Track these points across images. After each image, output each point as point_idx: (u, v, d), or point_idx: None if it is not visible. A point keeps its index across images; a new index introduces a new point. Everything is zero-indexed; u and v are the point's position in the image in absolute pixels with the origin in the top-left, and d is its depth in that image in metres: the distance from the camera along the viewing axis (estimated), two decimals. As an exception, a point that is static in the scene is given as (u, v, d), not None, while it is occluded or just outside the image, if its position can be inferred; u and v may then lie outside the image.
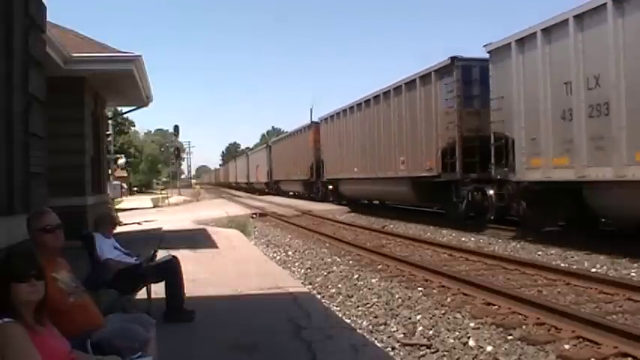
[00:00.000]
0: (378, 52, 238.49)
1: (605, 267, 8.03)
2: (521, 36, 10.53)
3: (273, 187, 36.70)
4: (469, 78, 12.84)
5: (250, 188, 47.45)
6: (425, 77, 14.10)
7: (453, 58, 12.82)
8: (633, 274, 7.49)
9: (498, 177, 11.61)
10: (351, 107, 19.28)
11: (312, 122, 26.91)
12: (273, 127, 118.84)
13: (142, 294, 4.87)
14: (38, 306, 2.12)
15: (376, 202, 20.34)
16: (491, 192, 12.10)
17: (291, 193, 31.50)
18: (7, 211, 3.69)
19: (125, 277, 4.52)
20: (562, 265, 8.25)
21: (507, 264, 8.16)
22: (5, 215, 3.65)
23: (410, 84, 14.71)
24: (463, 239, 11.84)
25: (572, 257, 8.89)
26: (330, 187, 22.67)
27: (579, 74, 9.14)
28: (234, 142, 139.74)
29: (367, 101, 17.84)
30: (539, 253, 9.52)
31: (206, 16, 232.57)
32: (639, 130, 8.05)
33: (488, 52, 11.71)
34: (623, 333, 4.40)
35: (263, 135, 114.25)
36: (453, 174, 13.16)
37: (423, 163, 14.31)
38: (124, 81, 11.01)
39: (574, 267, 8.01)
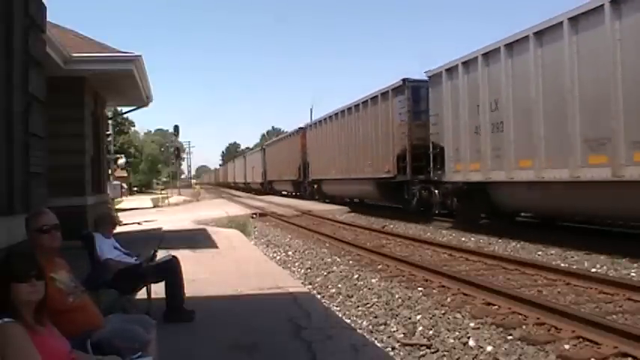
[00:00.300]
0: (378, 52, 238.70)
1: (605, 267, 8.03)
2: (449, 66, 13.27)
3: (267, 187, 39.19)
4: (418, 96, 15.36)
5: (247, 188, 50.08)
6: (384, 94, 16.71)
7: (405, 80, 15.46)
8: (633, 274, 7.49)
9: (435, 178, 14.26)
10: (330, 116, 21.97)
11: (300, 128, 29.49)
12: (273, 127, 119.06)
13: (142, 294, 4.87)
14: (38, 306, 2.12)
15: (356, 199, 23.00)
16: (436, 191, 14.45)
17: (284, 193, 34.02)
18: (7, 211, 3.69)
19: (125, 277, 4.52)
20: (562, 265, 8.25)
21: (507, 264, 8.16)
22: (5, 215, 3.65)
23: (374, 99, 17.30)
24: (463, 239, 11.84)
25: (572, 257, 8.89)
26: (315, 186, 25.44)
27: (485, 99, 11.86)
28: (234, 142, 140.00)
29: (342, 112, 20.69)
30: (539, 253, 9.53)
31: (206, 16, 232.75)
32: (525, 144, 10.66)
33: (428, 77, 14.43)
34: (623, 333, 4.40)
35: (263, 135, 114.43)
36: (404, 176, 15.69)
37: (383, 166, 16.86)
38: (124, 81, 11.01)
39: (574, 267, 8.01)
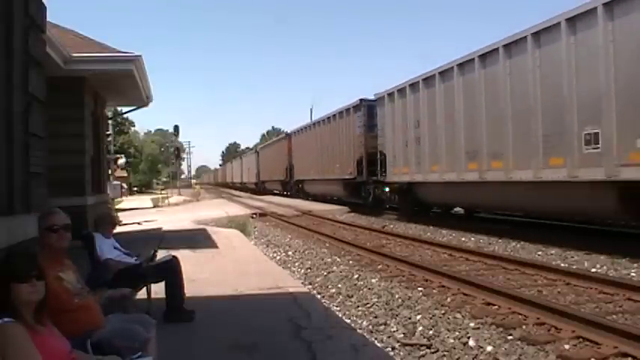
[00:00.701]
0: (378, 52, 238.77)
1: (605, 267, 8.03)
2: (390, 92, 16.86)
3: (260, 187, 42.62)
4: (372, 112, 18.80)
5: (244, 187, 53.34)
6: (347, 110, 20.39)
7: (361, 100, 19.21)
8: (633, 274, 7.49)
9: (382, 179, 17.82)
10: (309, 125, 26.13)
11: (286, 134, 33.84)
12: (273, 127, 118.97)
13: (142, 294, 4.87)
14: (38, 306, 2.12)
15: (329, 197, 25.91)
16: (387, 189, 18.01)
17: (276, 192, 37.11)
18: (7, 211, 3.69)
19: (125, 277, 4.52)
20: (562, 265, 8.25)
21: (507, 264, 8.16)
22: (5, 215, 3.65)
23: (340, 114, 20.98)
24: (463, 239, 11.84)
25: (572, 257, 8.89)
26: (299, 185, 28.94)
27: (411, 118, 15.54)
28: (234, 142, 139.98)
29: (318, 122, 24.88)
30: (539, 253, 9.53)
31: (206, 16, 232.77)
32: (434, 154, 14.34)
33: (376, 99, 18.08)
34: (623, 333, 4.40)
35: (263, 135, 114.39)
36: (362, 177, 19.42)
37: (347, 169, 20.61)
38: (124, 81, 11.01)
39: (574, 267, 8.01)
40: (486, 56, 11.81)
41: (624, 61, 8.39)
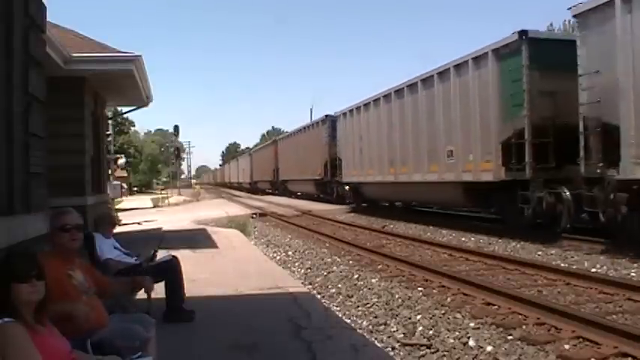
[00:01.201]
0: (378, 52, 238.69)
1: (605, 267, 8.02)
2: (344, 112, 21.56)
3: (253, 186, 47.46)
4: (334, 126, 23.05)
5: (240, 187, 57.75)
6: (317, 123, 25.36)
7: (327, 115, 23.61)
8: (633, 274, 7.48)
9: (340, 180, 22.33)
10: (290, 134, 31.30)
11: (273, 140, 40.02)
12: (273, 127, 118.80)
13: (142, 294, 4.85)
14: (38, 306, 2.12)
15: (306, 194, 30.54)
16: (347, 187, 22.13)
17: (269, 190, 40.91)
18: (7, 211, 3.69)
19: (125, 277, 4.52)
20: (562, 265, 8.25)
21: (507, 264, 8.16)
22: (5, 215, 3.64)
23: (313, 125, 25.72)
24: (463, 239, 11.84)
25: (572, 257, 8.89)
26: (284, 184, 33.62)
27: (357, 133, 20.24)
28: (234, 142, 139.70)
29: (297, 131, 29.99)
30: (539, 253, 9.52)
31: (206, 16, 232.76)
32: (369, 161, 19.16)
33: (335, 116, 22.95)
34: (623, 333, 4.40)
35: (263, 135, 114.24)
36: (327, 177, 24.71)
37: (316, 171, 25.64)
38: (124, 81, 11.00)
39: (574, 267, 8.01)
40: (403, 90, 15.96)
41: (462, 105, 12.75)
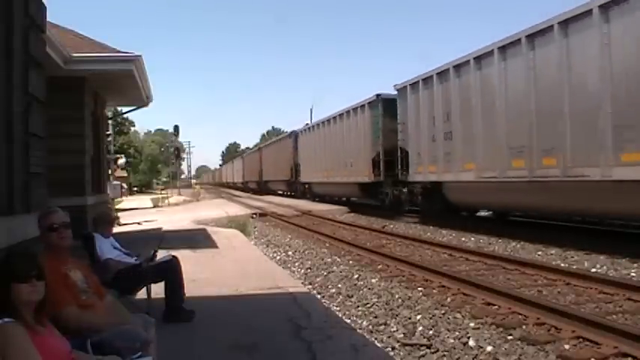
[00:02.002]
0: (378, 52, 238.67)
1: (605, 267, 8.02)
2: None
3: (245, 186, 53.43)
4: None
5: (235, 186, 63.67)
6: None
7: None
8: (633, 274, 7.48)
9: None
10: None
11: (259, 147, 48.42)
12: (273, 127, 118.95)
13: (142, 294, 4.87)
14: (38, 306, 2.12)
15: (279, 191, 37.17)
16: (306, 186, 27.19)
17: (256, 188, 45.29)
18: (7, 211, 3.69)
19: (125, 277, 4.52)
20: (562, 265, 8.25)
21: (507, 264, 8.16)
22: (5, 215, 3.64)
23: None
24: (463, 239, 11.84)
25: (572, 257, 8.89)
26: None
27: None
28: (234, 142, 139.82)
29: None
30: (539, 253, 9.52)
31: (206, 16, 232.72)
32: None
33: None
34: (623, 333, 4.40)
35: (263, 135, 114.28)
36: (292, 178, 30.34)
37: (285, 172, 30.71)
38: (124, 81, 11.01)
39: (574, 267, 8.01)
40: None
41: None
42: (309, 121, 35.90)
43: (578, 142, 9.35)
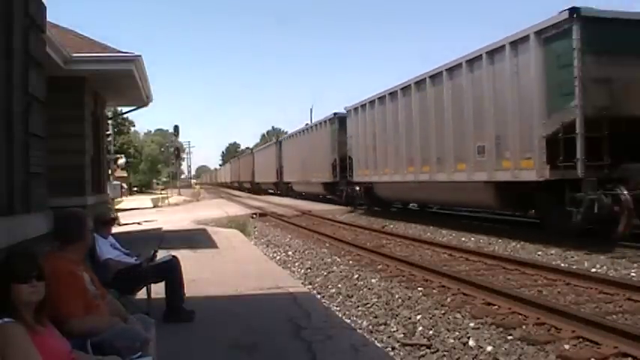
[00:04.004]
0: (378, 52, 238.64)
1: (605, 267, 8.02)
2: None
3: (240, 185, 58.29)
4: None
5: (231, 186, 67.67)
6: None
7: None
8: (633, 274, 7.48)
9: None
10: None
11: (251, 151, 53.52)
12: (273, 127, 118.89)
13: (142, 294, 4.88)
14: (38, 306, 2.12)
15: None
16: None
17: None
18: (7, 211, 3.69)
19: (125, 277, 4.53)
20: (562, 265, 8.25)
21: (507, 264, 8.16)
22: (5, 215, 3.64)
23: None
24: (463, 239, 11.83)
25: (572, 257, 8.89)
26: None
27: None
28: (234, 142, 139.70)
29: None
30: (539, 253, 9.52)
31: (206, 16, 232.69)
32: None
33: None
34: (623, 333, 4.40)
35: (263, 135, 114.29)
36: (278, 179, 34.69)
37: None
38: (124, 81, 10.99)
39: (574, 267, 8.01)
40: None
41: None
42: (309, 121, 37.97)
43: (436, 157, 13.97)
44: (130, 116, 53.95)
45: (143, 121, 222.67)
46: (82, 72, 9.71)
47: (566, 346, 4.48)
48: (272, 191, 38.86)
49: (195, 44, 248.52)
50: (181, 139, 69.58)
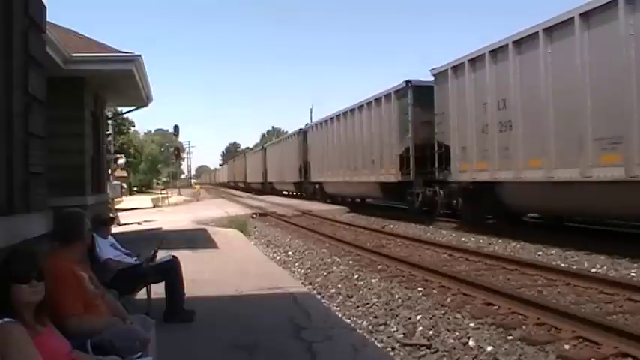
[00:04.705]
0: (378, 52, 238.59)
1: (605, 267, 8.03)
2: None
3: (234, 184, 63.54)
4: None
5: (228, 185, 72.29)
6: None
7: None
8: (633, 274, 7.49)
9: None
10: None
11: (244, 154, 59.49)
12: (273, 127, 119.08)
13: (142, 294, 4.88)
14: (39, 306, 2.12)
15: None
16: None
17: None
18: (7, 211, 3.69)
19: (125, 277, 4.52)
20: (562, 265, 8.25)
21: (507, 264, 8.16)
22: (5, 215, 3.64)
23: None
24: (463, 239, 11.84)
25: (572, 257, 8.89)
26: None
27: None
28: (234, 143, 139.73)
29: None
30: (539, 253, 9.52)
31: (206, 16, 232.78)
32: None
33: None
34: (623, 333, 4.40)
35: (263, 135, 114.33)
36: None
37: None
38: (124, 81, 10.99)
39: (574, 267, 8.01)
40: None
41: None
42: (309, 121, 37.26)
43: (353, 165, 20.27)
44: (130, 116, 53.99)
45: (143, 121, 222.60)
46: (82, 72, 9.70)
47: (566, 346, 4.48)
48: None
49: (195, 44, 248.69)
50: (181, 139, 70.03)
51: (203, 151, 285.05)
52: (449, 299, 6.30)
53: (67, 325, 2.47)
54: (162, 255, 5.29)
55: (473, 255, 9.19)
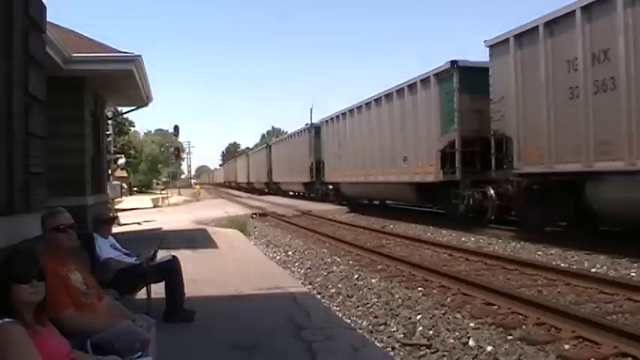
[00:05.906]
0: (379, 52, 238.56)
1: (605, 267, 8.02)
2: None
3: (230, 184, 66.15)
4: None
5: (231, 186, 70.59)
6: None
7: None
8: (633, 274, 7.48)
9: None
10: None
11: (246, 152, 58.58)
12: (273, 127, 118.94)
13: (142, 294, 4.87)
14: (38, 306, 2.12)
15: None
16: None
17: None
18: (7, 211, 3.69)
19: (125, 277, 4.52)
20: (562, 265, 8.25)
21: (507, 264, 8.16)
22: (5, 215, 3.64)
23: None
24: (463, 239, 11.84)
25: (572, 257, 8.89)
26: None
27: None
28: (234, 142, 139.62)
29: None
30: (539, 253, 9.52)
31: (206, 16, 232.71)
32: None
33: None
34: (623, 333, 4.40)
35: (263, 135, 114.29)
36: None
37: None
38: (124, 81, 10.99)
39: (574, 267, 8.01)
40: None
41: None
42: (308, 122, 33.75)
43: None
44: (130, 116, 54.03)
45: (143, 121, 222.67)
46: (82, 72, 9.71)
47: (566, 346, 4.47)
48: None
49: (195, 44, 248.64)
50: (181, 139, 70.11)
51: (203, 151, 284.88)
52: (449, 299, 6.30)
53: (60, 321, 2.47)
54: (162, 255, 5.29)
55: (473, 255, 9.19)
